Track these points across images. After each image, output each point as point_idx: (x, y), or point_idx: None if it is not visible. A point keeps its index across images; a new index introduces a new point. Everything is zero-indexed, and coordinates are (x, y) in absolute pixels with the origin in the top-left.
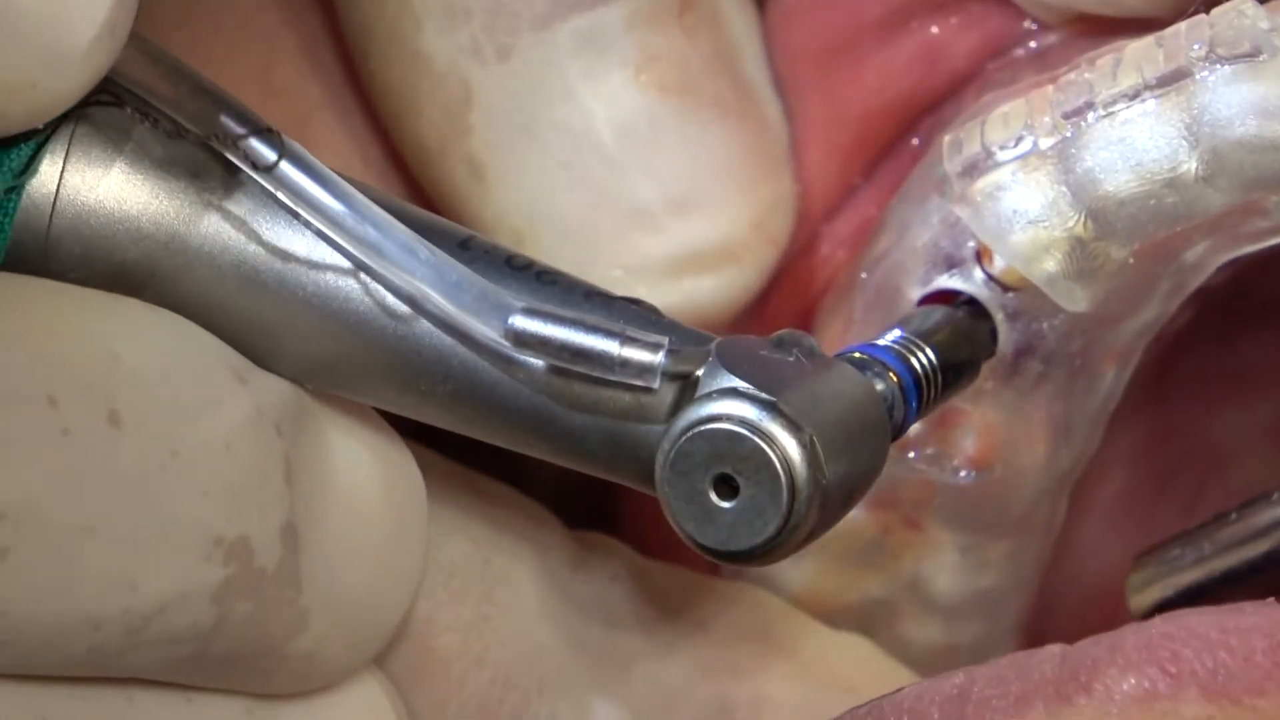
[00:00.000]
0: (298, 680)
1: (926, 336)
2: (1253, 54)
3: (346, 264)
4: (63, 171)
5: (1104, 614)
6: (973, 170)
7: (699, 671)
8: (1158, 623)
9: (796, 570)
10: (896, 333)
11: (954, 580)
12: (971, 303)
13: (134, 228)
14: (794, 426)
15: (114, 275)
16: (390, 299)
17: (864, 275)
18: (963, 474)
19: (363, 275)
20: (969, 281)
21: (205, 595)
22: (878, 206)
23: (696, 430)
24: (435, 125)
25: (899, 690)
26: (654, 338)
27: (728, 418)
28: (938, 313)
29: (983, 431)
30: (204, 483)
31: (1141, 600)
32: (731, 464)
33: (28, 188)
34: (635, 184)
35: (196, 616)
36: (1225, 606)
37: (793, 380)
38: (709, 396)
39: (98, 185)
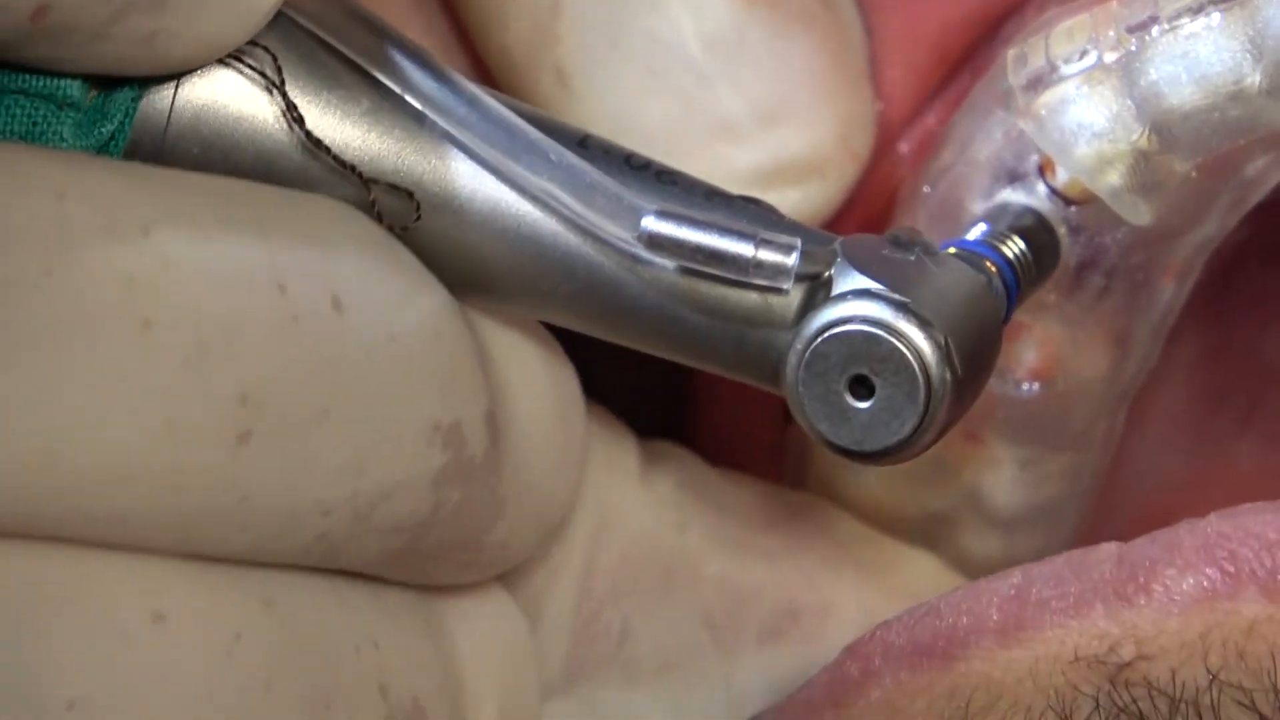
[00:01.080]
0: (487, 569)
1: (1013, 227)
2: None
3: (470, 162)
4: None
5: (1156, 529)
6: (1037, 84)
7: (768, 576)
8: (1214, 520)
9: (858, 484)
10: (984, 227)
11: (1013, 494)
12: (1035, 216)
13: (250, 128)
14: (927, 326)
15: (231, 176)
16: (512, 197)
17: (927, 189)
18: (1024, 387)
19: (487, 173)
20: (1032, 195)
21: (426, 482)
22: (942, 122)
23: (832, 332)
24: (523, 36)
25: (955, 589)
26: (786, 239)
27: (864, 319)
28: (1016, 205)
29: (1044, 344)
30: (420, 368)
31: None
32: (868, 365)
33: (147, 89)
34: (722, 95)
35: (416, 504)
36: None
37: (919, 279)
38: (843, 297)
39: (215, 84)
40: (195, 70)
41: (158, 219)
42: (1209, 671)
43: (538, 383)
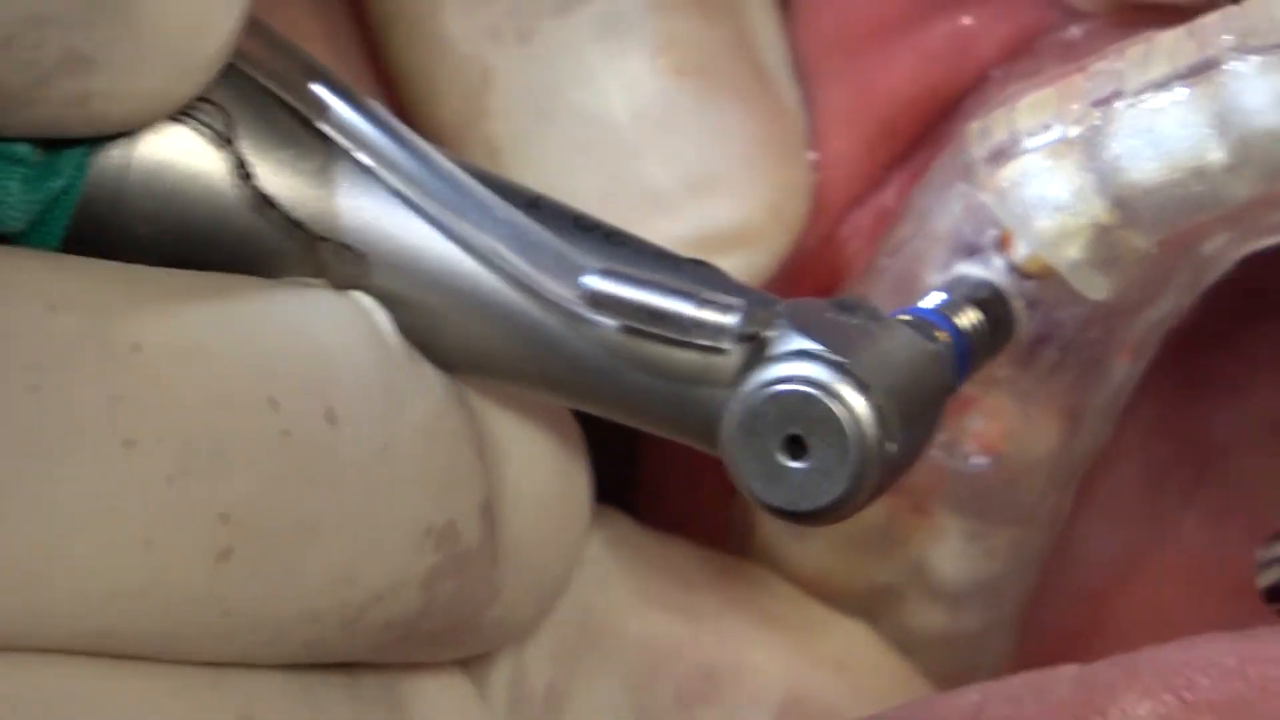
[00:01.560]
0: (484, 647)
1: (969, 298)
2: None
3: (418, 219)
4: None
5: (1098, 606)
6: (999, 157)
7: (687, 635)
8: (1175, 648)
9: (804, 553)
10: (941, 296)
11: (958, 567)
12: (991, 289)
13: (203, 184)
14: (864, 389)
15: (181, 233)
16: (458, 256)
17: (884, 262)
18: (973, 460)
19: (435, 231)
20: (989, 269)
21: (417, 583)
22: (901, 196)
23: (769, 391)
24: (454, 109)
25: (910, 703)
26: (727, 299)
27: (801, 379)
28: (973, 277)
29: (994, 418)
30: (414, 472)
31: (1266, 578)
32: (802, 425)
33: (99, 145)
34: (651, 167)
35: (407, 603)
36: (1244, 632)
37: (860, 343)
38: (781, 357)
39: (168, 140)
40: (144, 128)
41: (148, 334)
42: None
43: (541, 457)
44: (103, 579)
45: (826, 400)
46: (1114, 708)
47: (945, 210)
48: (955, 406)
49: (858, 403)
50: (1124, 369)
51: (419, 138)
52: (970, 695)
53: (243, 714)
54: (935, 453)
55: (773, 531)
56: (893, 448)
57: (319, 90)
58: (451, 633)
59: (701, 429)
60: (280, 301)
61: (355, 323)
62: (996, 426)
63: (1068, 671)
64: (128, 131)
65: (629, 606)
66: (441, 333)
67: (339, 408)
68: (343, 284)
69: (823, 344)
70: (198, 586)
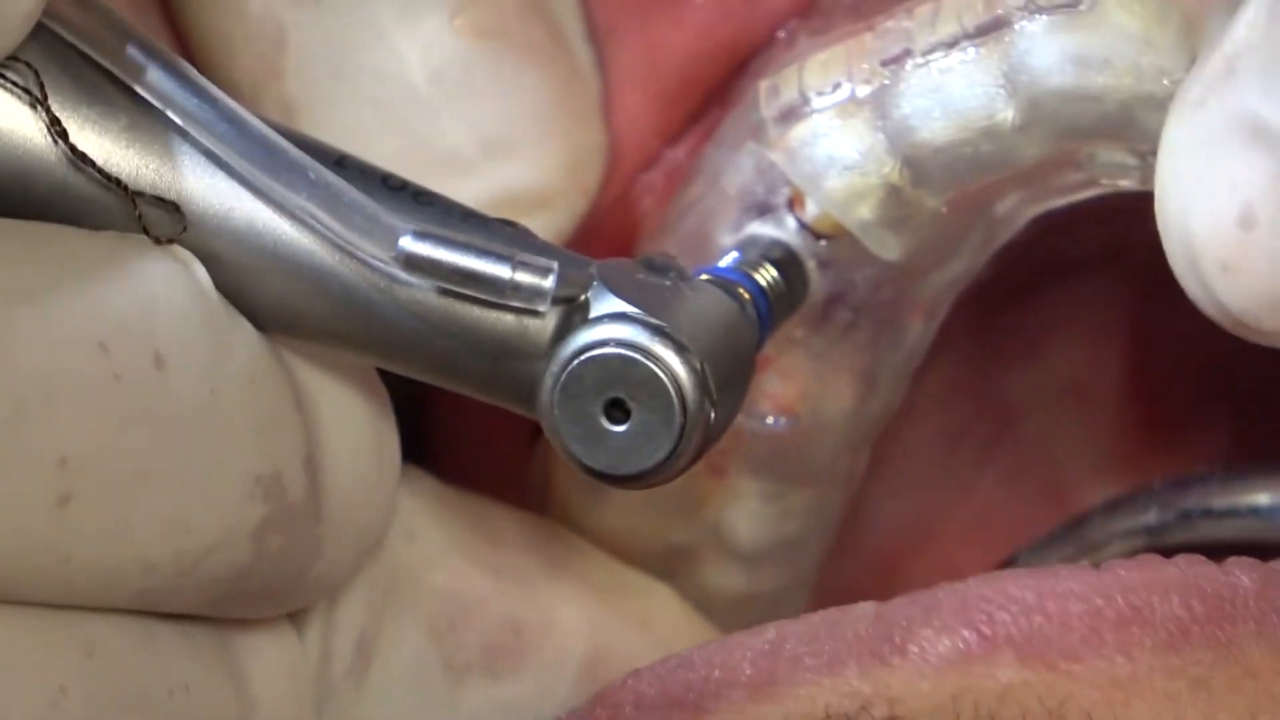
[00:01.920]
0: (306, 602)
1: (764, 257)
2: (1071, 4)
3: (228, 179)
4: None
5: (894, 566)
6: (789, 116)
7: (492, 589)
8: (973, 583)
9: (601, 514)
10: (735, 255)
11: (756, 528)
12: (784, 249)
13: (11, 143)
14: (684, 351)
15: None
16: (268, 215)
17: (676, 221)
18: (769, 420)
19: (245, 191)
20: (781, 228)
21: (246, 533)
22: (692, 154)
23: (589, 355)
24: (249, 68)
25: (710, 642)
26: (543, 261)
27: (620, 342)
28: (766, 237)
29: (789, 378)
30: (241, 420)
31: None
32: (624, 388)
33: None
34: (448, 127)
35: (238, 555)
36: (1042, 569)
37: (675, 304)
38: (599, 320)
39: None
40: None
41: None
42: None
43: (353, 414)
44: None
45: (648, 363)
46: (912, 643)
47: (737, 169)
48: None
49: (678, 365)
50: (917, 330)
51: (229, 98)
52: (767, 633)
53: (85, 649)
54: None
55: (571, 491)
56: (711, 409)
57: (130, 49)
58: (278, 589)
59: (517, 392)
60: (103, 249)
61: (176, 272)
62: (792, 387)
63: (866, 608)
64: None
65: (436, 558)
66: (256, 291)
67: (166, 353)
68: (161, 239)
69: (639, 306)
70: (39, 531)
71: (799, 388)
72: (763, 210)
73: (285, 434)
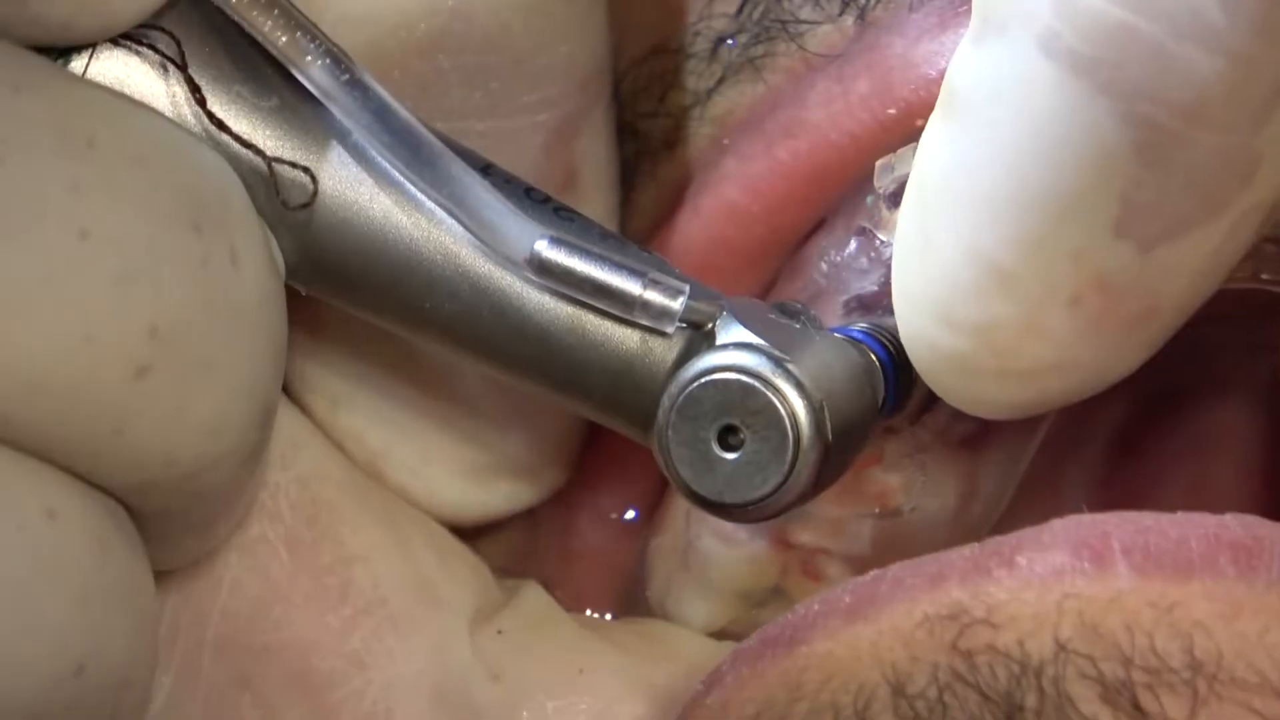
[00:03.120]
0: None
1: (886, 334)
2: None
3: (370, 169)
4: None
5: None
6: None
7: None
8: (1088, 515)
9: (694, 609)
10: (864, 324)
11: None
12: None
13: (160, 107)
14: (804, 387)
15: None
16: (408, 209)
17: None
18: (868, 517)
19: (387, 183)
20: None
21: (244, 457)
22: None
23: (709, 378)
24: None
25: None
26: (675, 283)
27: (743, 369)
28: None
29: (893, 469)
30: (266, 340)
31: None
32: (740, 415)
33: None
34: None
35: (225, 476)
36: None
37: (802, 345)
38: (724, 347)
39: (115, 66)
40: (90, 45)
41: (101, 134)
42: (1057, 642)
43: None
44: (38, 368)
45: (767, 392)
46: (1020, 556)
47: (847, 255)
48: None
49: (796, 399)
50: (1025, 429)
51: (381, 88)
52: (870, 574)
53: (110, 511)
54: (831, 507)
55: (670, 586)
56: (824, 450)
57: (291, 32)
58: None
59: (634, 412)
60: (193, 139)
61: (241, 185)
62: (895, 478)
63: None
64: (80, 47)
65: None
66: (383, 283)
67: (239, 250)
68: (293, 204)
69: (765, 339)
70: (112, 398)
71: (902, 479)
72: (872, 300)
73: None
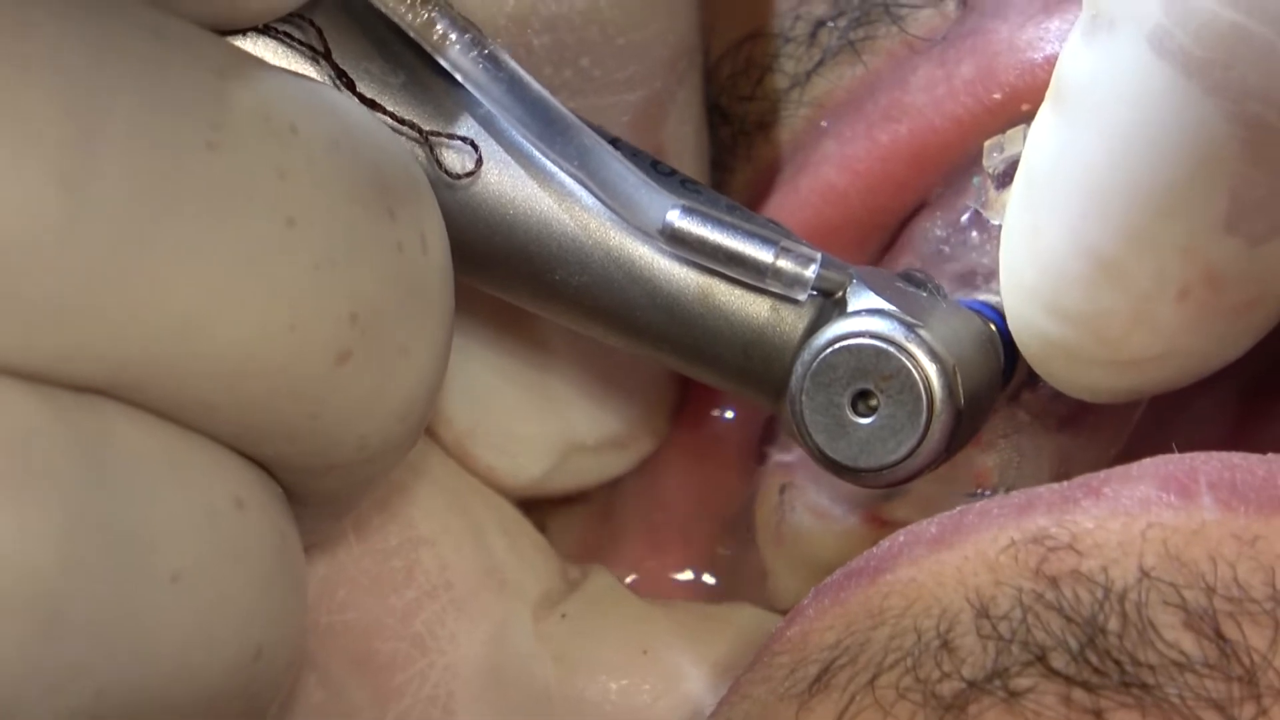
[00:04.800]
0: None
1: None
2: None
3: (499, 142)
4: None
5: None
6: (1012, 173)
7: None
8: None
9: (785, 584)
10: (981, 298)
11: None
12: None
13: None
14: (936, 352)
15: None
16: (538, 180)
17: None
18: (962, 496)
19: (516, 154)
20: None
21: (408, 444)
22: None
23: (844, 344)
24: None
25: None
26: (807, 251)
27: (876, 335)
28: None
29: (989, 449)
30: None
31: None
32: (874, 380)
33: None
34: None
35: (382, 469)
36: None
37: (931, 311)
38: (857, 313)
39: (273, 58)
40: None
41: (302, 120)
42: (1141, 569)
43: None
44: (245, 353)
45: (901, 357)
46: (1107, 487)
47: (955, 233)
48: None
49: (930, 364)
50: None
51: (512, 60)
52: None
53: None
54: (925, 486)
55: (763, 560)
56: (958, 414)
57: (416, 6)
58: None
59: (766, 381)
60: (380, 122)
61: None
62: (991, 457)
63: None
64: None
65: (584, 680)
66: (517, 254)
67: (428, 236)
68: (455, 174)
69: (896, 306)
70: (313, 384)
71: (998, 458)
72: (981, 277)
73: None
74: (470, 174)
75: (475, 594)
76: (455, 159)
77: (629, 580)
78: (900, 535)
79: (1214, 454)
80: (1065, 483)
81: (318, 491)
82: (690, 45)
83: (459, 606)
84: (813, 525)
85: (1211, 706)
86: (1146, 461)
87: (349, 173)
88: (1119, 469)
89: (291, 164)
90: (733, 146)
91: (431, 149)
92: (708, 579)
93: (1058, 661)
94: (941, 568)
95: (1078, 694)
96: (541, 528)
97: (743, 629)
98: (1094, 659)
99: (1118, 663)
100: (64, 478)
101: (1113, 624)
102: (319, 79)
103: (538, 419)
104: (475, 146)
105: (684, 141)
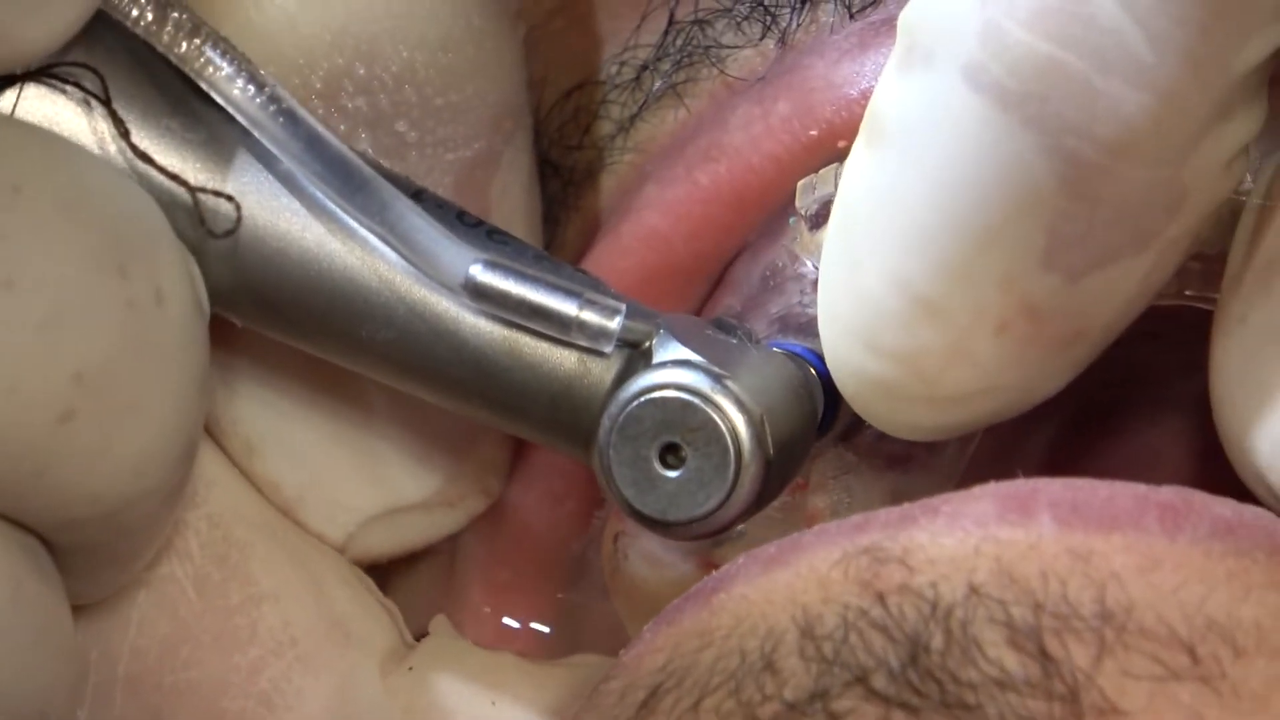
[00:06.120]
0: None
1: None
2: None
3: (301, 198)
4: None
5: None
6: (826, 214)
7: None
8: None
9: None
10: (798, 341)
11: None
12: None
13: (86, 142)
14: (743, 403)
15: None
16: (340, 238)
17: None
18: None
19: (318, 211)
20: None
21: (164, 496)
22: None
23: (649, 396)
24: None
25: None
26: (611, 302)
27: (682, 386)
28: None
29: (820, 490)
30: (186, 378)
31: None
32: (681, 432)
33: None
34: None
35: (144, 512)
36: None
37: (740, 360)
38: (663, 365)
39: (39, 103)
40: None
41: (28, 180)
42: (970, 586)
43: None
44: None
45: (707, 409)
46: (946, 505)
47: (773, 276)
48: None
49: (736, 414)
50: (950, 451)
51: (311, 117)
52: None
53: (27, 548)
54: (759, 531)
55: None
56: (766, 464)
57: (216, 60)
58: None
59: (574, 435)
60: (121, 177)
61: (163, 217)
62: (821, 499)
63: None
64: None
65: None
66: (317, 313)
67: (165, 288)
68: (218, 232)
69: (704, 356)
70: (35, 442)
71: (829, 499)
72: (800, 320)
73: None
74: (229, 233)
75: (320, 648)
76: (221, 219)
77: (472, 633)
78: (741, 557)
79: (1057, 479)
80: (907, 504)
81: (75, 545)
82: (515, 104)
83: (304, 662)
84: (647, 573)
85: None
86: (991, 484)
87: (77, 233)
88: (961, 491)
89: (11, 226)
90: (562, 199)
91: (197, 205)
92: (549, 628)
93: (878, 682)
94: (773, 585)
95: (897, 715)
96: (385, 586)
97: (590, 678)
98: (915, 679)
99: (939, 682)
100: None
101: (936, 641)
102: (101, 126)
103: (363, 484)
104: (237, 204)
105: (513, 200)
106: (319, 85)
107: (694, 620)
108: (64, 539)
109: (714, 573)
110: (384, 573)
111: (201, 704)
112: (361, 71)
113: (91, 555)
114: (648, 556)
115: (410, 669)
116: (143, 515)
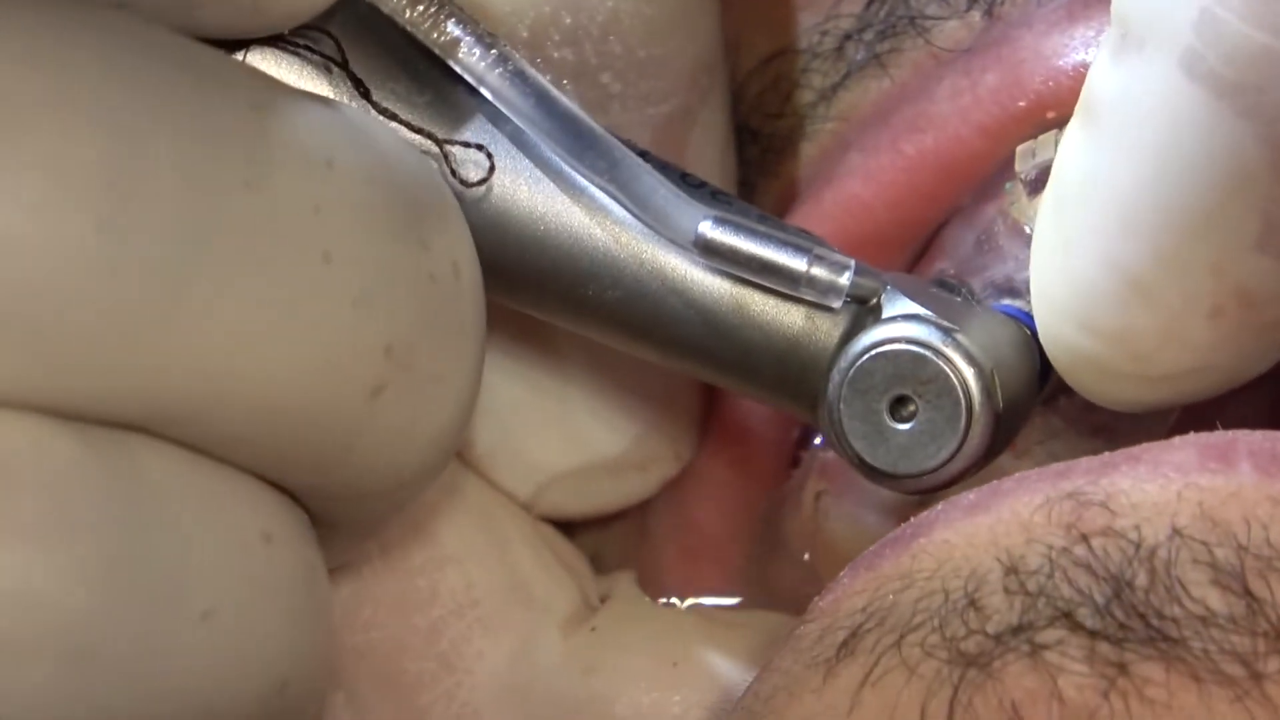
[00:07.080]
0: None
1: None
2: None
3: (531, 158)
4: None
5: None
6: (1044, 179)
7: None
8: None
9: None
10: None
11: None
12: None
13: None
14: (973, 356)
15: None
16: (569, 197)
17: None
18: None
19: (548, 170)
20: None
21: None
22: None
23: (880, 350)
24: None
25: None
26: (840, 258)
27: (913, 340)
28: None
29: (1024, 457)
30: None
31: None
32: (912, 386)
33: None
34: None
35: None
36: None
37: (967, 316)
38: (893, 319)
39: (278, 70)
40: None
41: (338, 153)
42: (1174, 528)
43: None
44: (280, 392)
45: (939, 361)
46: (1147, 454)
47: (982, 242)
48: None
49: (967, 368)
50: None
51: (539, 75)
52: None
53: (265, 533)
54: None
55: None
56: (996, 417)
57: (445, 23)
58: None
59: (801, 390)
60: (413, 149)
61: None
62: (1025, 464)
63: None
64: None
65: (613, 689)
66: (545, 273)
67: (461, 262)
68: (470, 183)
69: (932, 312)
70: (347, 418)
71: (1033, 465)
72: (1015, 284)
73: None
74: (482, 181)
75: (501, 610)
76: (472, 169)
77: (664, 602)
78: (939, 504)
79: (1256, 430)
80: (1107, 454)
81: (347, 518)
82: (712, 61)
83: (485, 624)
84: (848, 532)
85: (1235, 660)
86: (1190, 435)
87: (384, 205)
88: (1161, 442)
89: (327, 199)
90: (759, 165)
91: (446, 157)
92: (741, 597)
93: (1083, 616)
94: (976, 529)
95: (1102, 647)
96: (579, 547)
97: (772, 637)
98: (1119, 613)
99: (1143, 616)
100: (97, 518)
101: (1140, 579)
102: (331, 92)
103: (554, 439)
104: (488, 154)
105: (708, 161)
106: (525, 34)
107: (894, 565)
108: (345, 514)
109: (911, 519)
110: (575, 531)
111: (382, 664)
112: (568, 21)
113: (356, 529)
114: (849, 516)
115: (593, 629)
116: (426, 489)
